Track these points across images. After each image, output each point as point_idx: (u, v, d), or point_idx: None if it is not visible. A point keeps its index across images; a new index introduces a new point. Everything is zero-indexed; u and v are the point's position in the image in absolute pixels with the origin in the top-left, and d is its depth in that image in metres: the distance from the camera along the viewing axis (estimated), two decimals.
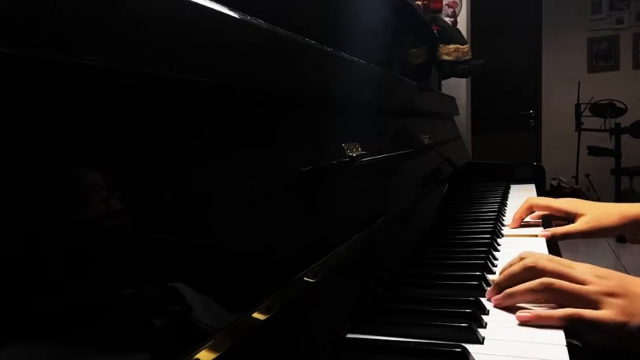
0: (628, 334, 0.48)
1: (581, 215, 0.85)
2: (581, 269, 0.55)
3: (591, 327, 0.49)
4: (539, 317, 0.51)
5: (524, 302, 0.55)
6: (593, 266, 0.55)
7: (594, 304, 0.50)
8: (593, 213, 0.84)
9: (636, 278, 0.53)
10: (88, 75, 0.27)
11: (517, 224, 0.97)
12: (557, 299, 0.53)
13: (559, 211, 0.91)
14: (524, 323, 0.51)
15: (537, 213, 0.98)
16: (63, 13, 0.24)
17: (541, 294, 0.54)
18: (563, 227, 0.87)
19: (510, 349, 0.46)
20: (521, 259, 0.58)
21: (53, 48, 0.24)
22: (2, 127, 0.23)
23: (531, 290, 0.54)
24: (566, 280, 0.53)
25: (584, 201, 0.90)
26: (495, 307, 0.56)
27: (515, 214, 0.99)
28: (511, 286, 0.56)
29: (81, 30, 0.26)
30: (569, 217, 0.89)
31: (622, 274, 0.53)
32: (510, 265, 0.59)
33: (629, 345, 0.51)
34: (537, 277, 0.54)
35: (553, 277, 0.54)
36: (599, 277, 0.53)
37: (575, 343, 0.46)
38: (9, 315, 0.21)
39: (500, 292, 0.57)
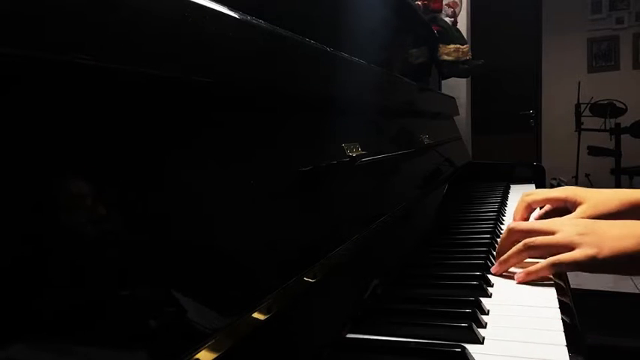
0: (598, 265, 0.57)
1: (580, 203, 0.84)
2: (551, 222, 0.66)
3: (570, 266, 0.59)
4: (529, 274, 0.62)
5: (517, 263, 0.66)
6: (563, 217, 0.68)
7: (570, 247, 0.59)
8: (590, 201, 0.83)
9: (598, 221, 0.63)
10: (87, 76, 0.27)
11: None
12: (541, 253, 0.63)
13: (558, 200, 0.90)
14: (521, 282, 0.62)
15: (538, 211, 0.96)
16: (63, 13, 0.24)
17: (527, 252, 0.64)
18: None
19: (510, 349, 0.46)
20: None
21: (53, 48, 0.24)
22: (3, 129, 0.23)
23: (518, 252, 0.65)
24: (541, 235, 0.63)
25: (581, 188, 0.88)
26: (495, 274, 0.67)
27: (515, 215, 0.97)
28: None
29: (80, 30, 0.26)
30: (568, 206, 0.88)
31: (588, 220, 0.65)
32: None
33: (603, 272, 0.59)
34: (519, 238, 0.65)
35: (530, 236, 0.64)
36: (566, 223, 0.63)
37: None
38: (7, 316, 0.21)
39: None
